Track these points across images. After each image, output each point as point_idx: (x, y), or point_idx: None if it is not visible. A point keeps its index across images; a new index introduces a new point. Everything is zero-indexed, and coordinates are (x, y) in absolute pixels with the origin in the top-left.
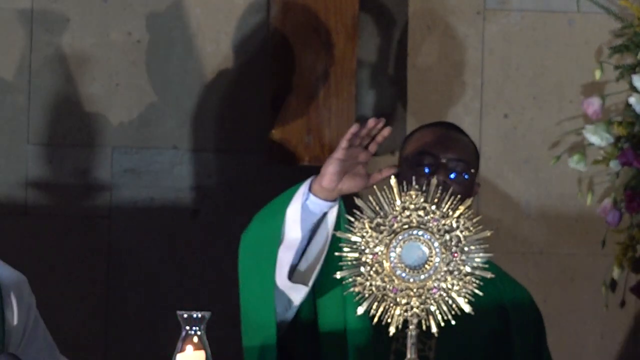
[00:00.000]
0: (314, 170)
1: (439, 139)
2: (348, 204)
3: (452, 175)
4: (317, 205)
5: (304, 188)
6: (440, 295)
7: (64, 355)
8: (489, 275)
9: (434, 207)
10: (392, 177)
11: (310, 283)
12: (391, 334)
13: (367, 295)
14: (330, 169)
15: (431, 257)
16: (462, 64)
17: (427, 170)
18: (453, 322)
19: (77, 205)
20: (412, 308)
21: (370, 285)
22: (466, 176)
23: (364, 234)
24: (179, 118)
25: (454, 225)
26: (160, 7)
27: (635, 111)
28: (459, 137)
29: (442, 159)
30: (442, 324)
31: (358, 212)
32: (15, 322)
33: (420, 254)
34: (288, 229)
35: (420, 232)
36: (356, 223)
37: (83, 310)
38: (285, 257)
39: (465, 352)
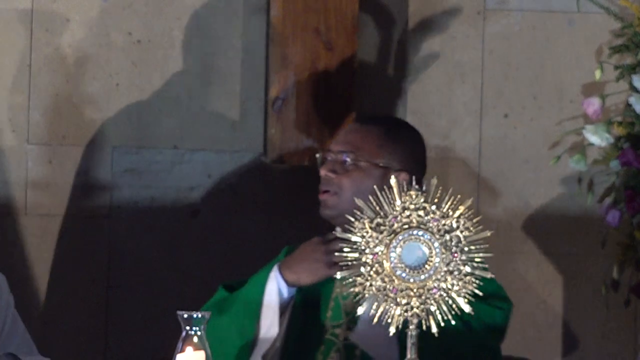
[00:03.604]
0: (314, 170)
1: (339, 134)
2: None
3: (341, 163)
4: (286, 294)
5: (275, 282)
6: (441, 295)
7: (59, 356)
8: (488, 275)
9: (434, 207)
10: (392, 177)
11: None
12: (391, 334)
13: (367, 295)
14: (325, 273)
15: (431, 257)
16: (462, 64)
17: (326, 161)
18: (453, 322)
19: (77, 205)
20: (412, 308)
21: (371, 285)
22: (343, 162)
23: (364, 234)
24: (179, 118)
25: (454, 225)
26: (160, 7)
27: (635, 111)
28: (357, 128)
29: (332, 154)
30: (442, 323)
31: (358, 212)
32: None
33: (420, 254)
34: (264, 329)
35: (421, 232)
36: (356, 223)
37: (83, 310)
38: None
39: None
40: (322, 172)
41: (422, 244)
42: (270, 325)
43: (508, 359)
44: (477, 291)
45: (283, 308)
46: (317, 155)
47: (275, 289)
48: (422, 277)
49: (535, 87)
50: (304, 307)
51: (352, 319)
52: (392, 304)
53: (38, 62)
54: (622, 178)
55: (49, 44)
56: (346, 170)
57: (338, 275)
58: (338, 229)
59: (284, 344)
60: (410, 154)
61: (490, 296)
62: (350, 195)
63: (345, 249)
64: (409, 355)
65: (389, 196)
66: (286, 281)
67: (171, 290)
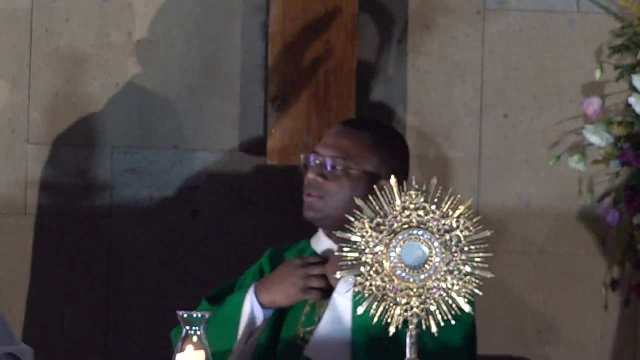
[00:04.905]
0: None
1: (327, 137)
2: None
3: (328, 169)
4: (261, 317)
5: (250, 306)
6: (441, 295)
7: (59, 356)
8: (489, 275)
9: (434, 207)
10: (392, 176)
11: None
12: (391, 334)
13: (367, 295)
14: (300, 297)
15: (431, 257)
16: (462, 64)
17: (312, 165)
18: (454, 323)
19: (77, 205)
20: (412, 308)
21: (370, 285)
22: (332, 168)
23: (364, 234)
24: (179, 118)
25: (454, 225)
26: (160, 7)
27: (635, 111)
28: (346, 132)
29: (321, 158)
30: (442, 323)
31: (358, 212)
32: None
33: (420, 254)
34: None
35: (421, 232)
36: (356, 223)
37: (83, 310)
38: None
39: None
40: (311, 175)
41: (422, 243)
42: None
43: (508, 359)
44: (477, 291)
45: (259, 325)
46: (302, 156)
47: (249, 310)
48: (422, 277)
49: (535, 87)
50: (279, 310)
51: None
52: (392, 304)
53: (38, 62)
54: (622, 178)
55: (49, 44)
56: (335, 176)
57: (338, 275)
58: (335, 243)
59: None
60: (398, 161)
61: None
62: (337, 201)
63: (345, 249)
64: (408, 355)
65: (389, 196)
66: (262, 303)
67: (171, 290)
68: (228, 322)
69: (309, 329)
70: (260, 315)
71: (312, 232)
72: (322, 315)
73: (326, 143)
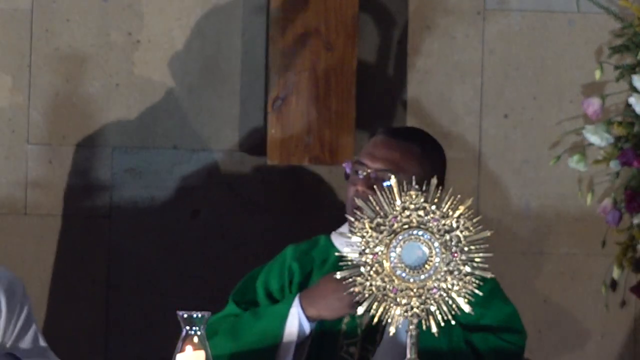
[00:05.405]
0: (314, 170)
1: (373, 148)
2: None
3: (384, 184)
4: (308, 329)
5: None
6: (440, 295)
7: (59, 356)
8: (489, 275)
9: (434, 207)
10: (392, 177)
11: None
12: (391, 334)
13: (367, 295)
14: (347, 311)
15: (431, 257)
16: (462, 64)
17: (361, 176)
18: (454, 323)
19: (77, 205)
20: (412, 308)
21: (370, 285)
22: (382, 180)
23: (364, 234)
24: (179, 118)
25: (454, 225)
26: (160, 7)
27: (635, 111)
28: (394, 145)
29: (368, 169)
30: (442, 323)
31: (358, 212)
32: (1, 318)
33: (420, 254)
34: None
35: (420, 232)
36: (356, 223)
37: (83, 310)
38: None
39: None
40: (360, 188)
41: (422, 243)
42: (287, 357)
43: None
44: (477, 291)
45: (304, 338)
46: (345, 165)
47: (296, 324)
48: (422, 277)
49: (535, 87)
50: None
51: (366, 338)
52: (392, 304)
53: (38, 62)
54: (622, 178)
55: (49, 44)
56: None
57: (338, 275)
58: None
59: None
60: (440, 170)
61: (504, 329)
62: None
63: (346, 249)
64: (408, 355)
65: (389, 196)
66: (307, 316)
67: (171, 290)
68: (268, 334)
69: (351, 340)
70: (307, 328)
71: (314, 232)
72: (363, 325)
73: (373, 154)
